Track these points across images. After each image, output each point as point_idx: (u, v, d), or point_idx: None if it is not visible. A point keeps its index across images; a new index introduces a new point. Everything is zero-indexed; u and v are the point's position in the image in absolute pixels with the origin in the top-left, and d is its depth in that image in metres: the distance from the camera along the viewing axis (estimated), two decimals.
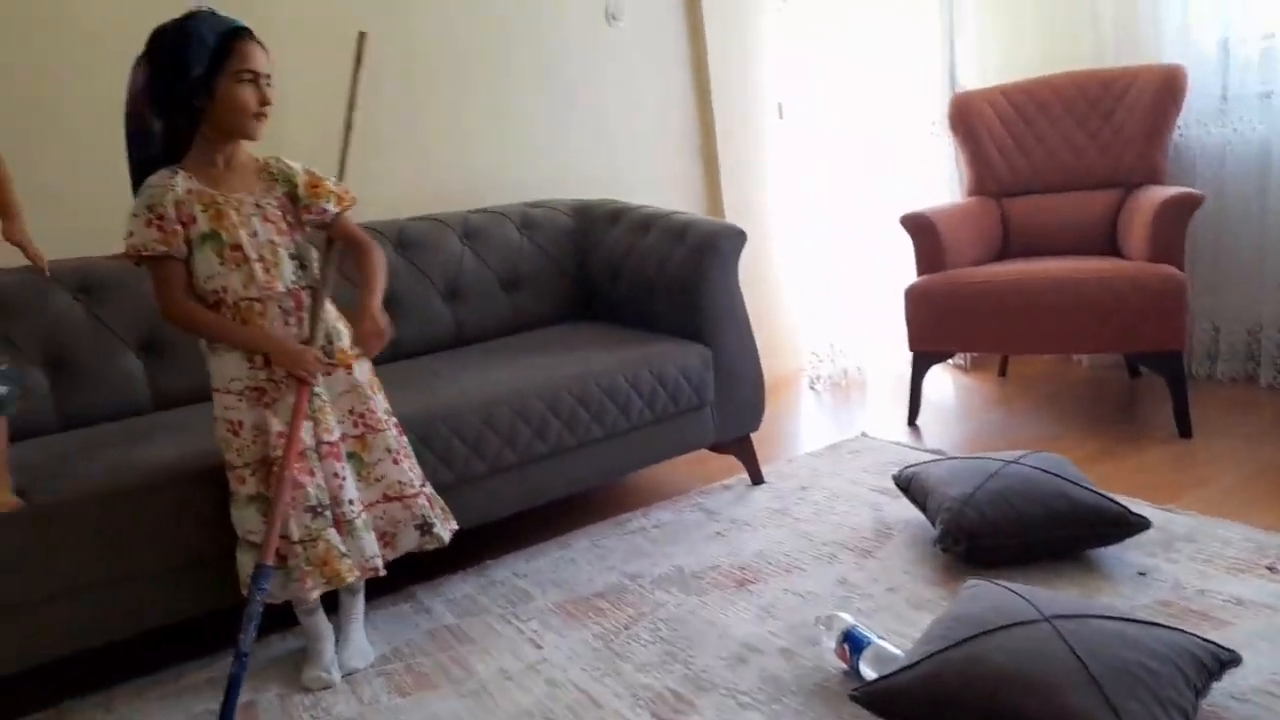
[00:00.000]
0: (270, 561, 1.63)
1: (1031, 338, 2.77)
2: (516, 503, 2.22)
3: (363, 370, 1.82)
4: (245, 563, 1.70)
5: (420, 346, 2.59)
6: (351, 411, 1.79)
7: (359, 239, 1.84)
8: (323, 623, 1.81)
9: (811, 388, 3.58)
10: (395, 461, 1.82)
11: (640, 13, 3.23)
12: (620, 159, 3.24)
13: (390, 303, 2.53)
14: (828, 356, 3.60)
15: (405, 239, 2.65)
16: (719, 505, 2.50)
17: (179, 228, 1.62)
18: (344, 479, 1.74)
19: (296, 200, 1.76)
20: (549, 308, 2.83)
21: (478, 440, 2.09)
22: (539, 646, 1.85)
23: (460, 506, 2.02)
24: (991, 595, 1.55)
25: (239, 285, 1.67)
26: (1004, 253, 3.18)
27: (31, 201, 1.86)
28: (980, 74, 3.50)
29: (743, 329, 2.54)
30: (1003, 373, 3.47)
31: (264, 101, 1.67)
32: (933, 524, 2.03)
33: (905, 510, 2.24)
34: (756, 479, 2.62)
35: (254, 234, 1.69)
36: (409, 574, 2.10)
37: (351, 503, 1.74)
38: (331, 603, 1.84)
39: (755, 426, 2.61)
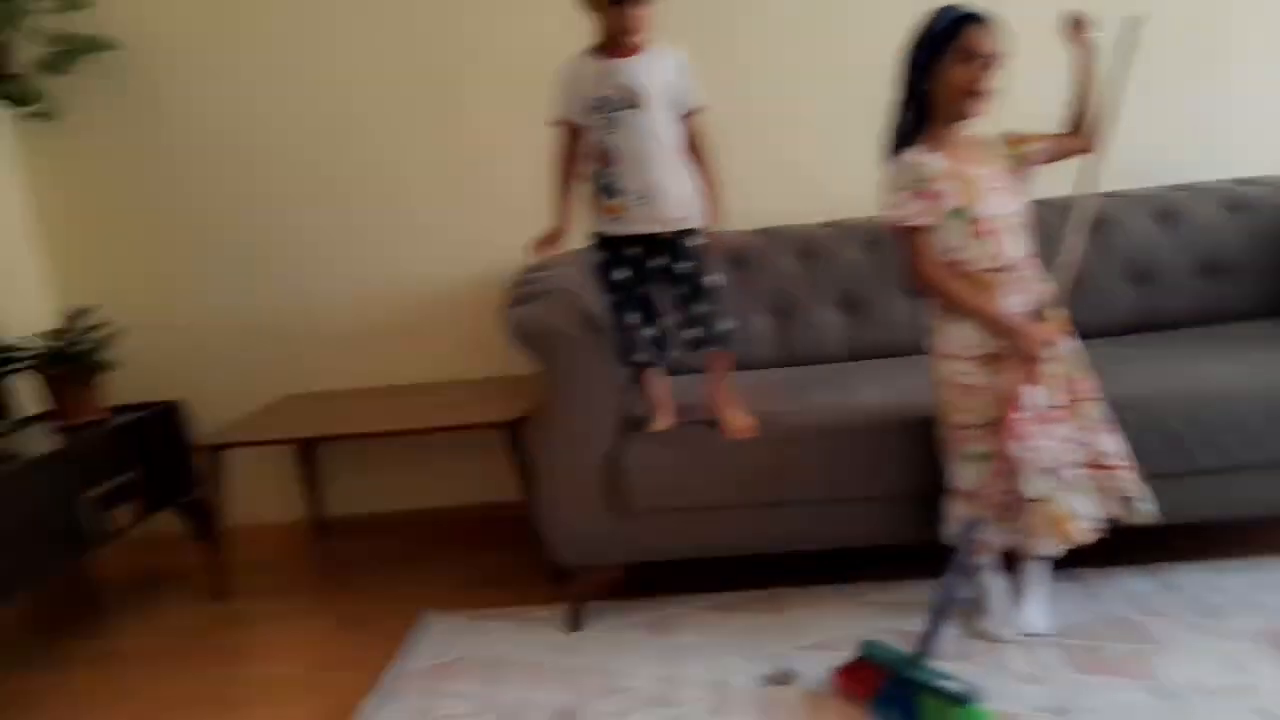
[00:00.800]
0: (988, 515, 1.78)
1: None
2: (1211, 509, 2.04)
3: (1073, 342, 1.86)
4: (959, 512, 1.86)
5: (1099, 329, 2.50)
6: (1067, 379, 1.83)
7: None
8: (1001, 580, 1.94)
9: None
10: (1105, 431, 1.84)
11: None
12: None
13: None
14: None
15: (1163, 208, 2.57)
16: None
17: (937, 203, 1.79)
18: (1072, 442, 1.81)
19: (1016, 162, 1.85)
20: (1261, 299, 2.51)
21: (1179, 435, 1.96)
22: (1244, 670, 1.72)
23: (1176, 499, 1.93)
24: None
25: (982, 256, 1.80)
26: None
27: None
28: None
29: None
30: None
31: (977, 81, 1.75)
32: None
33: None
34: None
35: (992, 206, 1.79)
36: (1075, 557, 2.10)
37: (1076, 465, 1.81)
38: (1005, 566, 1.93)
39: None
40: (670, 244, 2.06)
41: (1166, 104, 2.61)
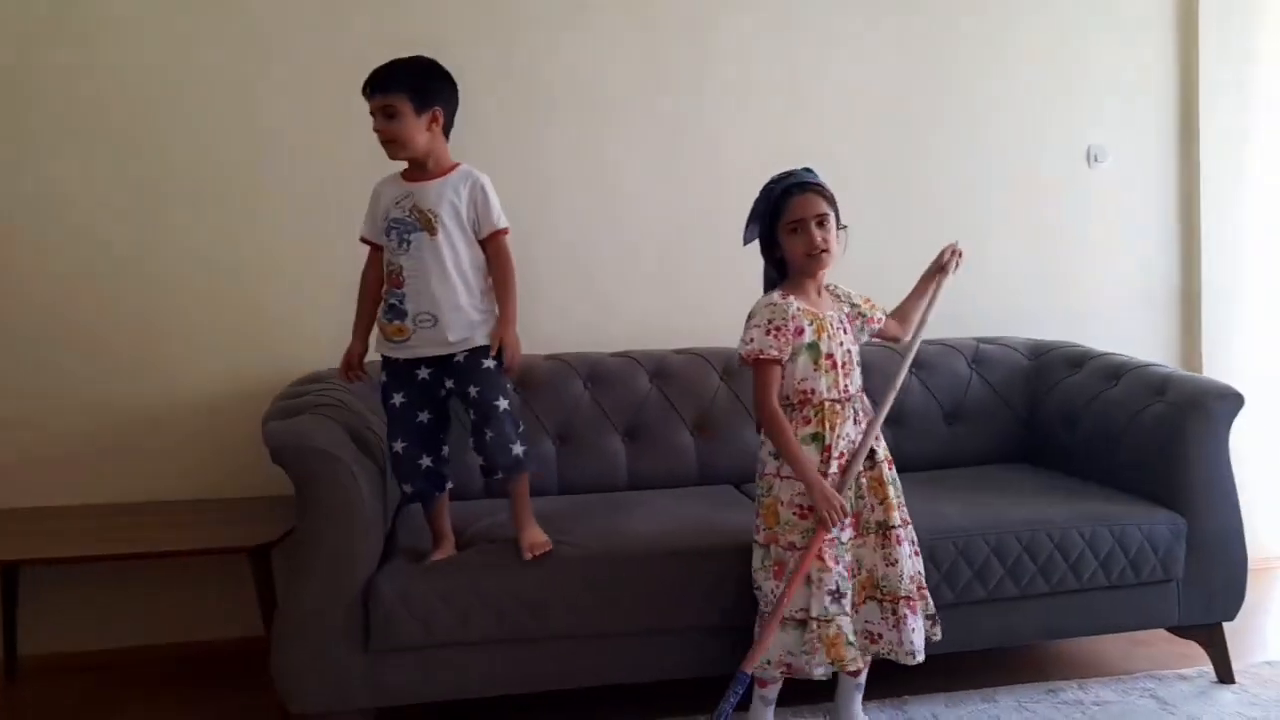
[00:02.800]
0: (749, 670, 1.85)
1: None
2: (945, 643, 2.16)
3: (891, 470, 1.99)
4: (785, 639, 1.89)
5: None
6: (883, 505, 1.96)
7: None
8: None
9: None
10: (913, 557, 1.97)
11: (1124, 155, 3.10)
12: (1081, 303, 3.10)
13: None
14: None
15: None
16: (1174, 697, 2.22)
17: (790, 337, 1.91)
18: (876, 568, 1.94)
19: (858, 316, 2.06)
20: (990, 447, 2.76)
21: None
22: None
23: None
24: None
25: (830, 387, 1.93)
26: None
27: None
28: None
29: (1228, 503, 2.27)
30: None
31: (810, 246, 1.91)
32: None
33: None
34: (1225, 677, 2.29)
35: (840, 344, 1.96)
36: (826, 691, 2.14)
37: (869, 592, 1.94)
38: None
39: (1232, 615, 2.29)
40: (459, 367, 2.01)
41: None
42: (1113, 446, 2.43)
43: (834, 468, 1.90)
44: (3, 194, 2.52)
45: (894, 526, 1.93)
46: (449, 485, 2.10)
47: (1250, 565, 2.31)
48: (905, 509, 1.98)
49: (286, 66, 2.63)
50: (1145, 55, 3.11)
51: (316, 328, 2.57)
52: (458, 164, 2.04)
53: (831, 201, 1.95)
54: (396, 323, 1.99)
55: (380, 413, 2.14)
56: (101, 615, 2.58)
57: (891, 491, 1.96)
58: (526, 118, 2.75)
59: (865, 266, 2.28)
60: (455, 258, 1.98)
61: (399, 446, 2.03)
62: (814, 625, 1.85)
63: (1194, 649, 2.34)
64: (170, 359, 2.60)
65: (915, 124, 2.98)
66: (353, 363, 2.09)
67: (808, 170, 2.00)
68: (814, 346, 1.93)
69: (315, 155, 2.63)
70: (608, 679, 2.04)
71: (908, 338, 2.12)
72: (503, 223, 2.04)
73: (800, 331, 1.92)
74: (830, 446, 1.91)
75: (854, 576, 1.92)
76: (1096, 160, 3.08)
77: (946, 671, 2.30)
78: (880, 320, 2.09)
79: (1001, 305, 3.05)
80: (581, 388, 2.61)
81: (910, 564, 1.94)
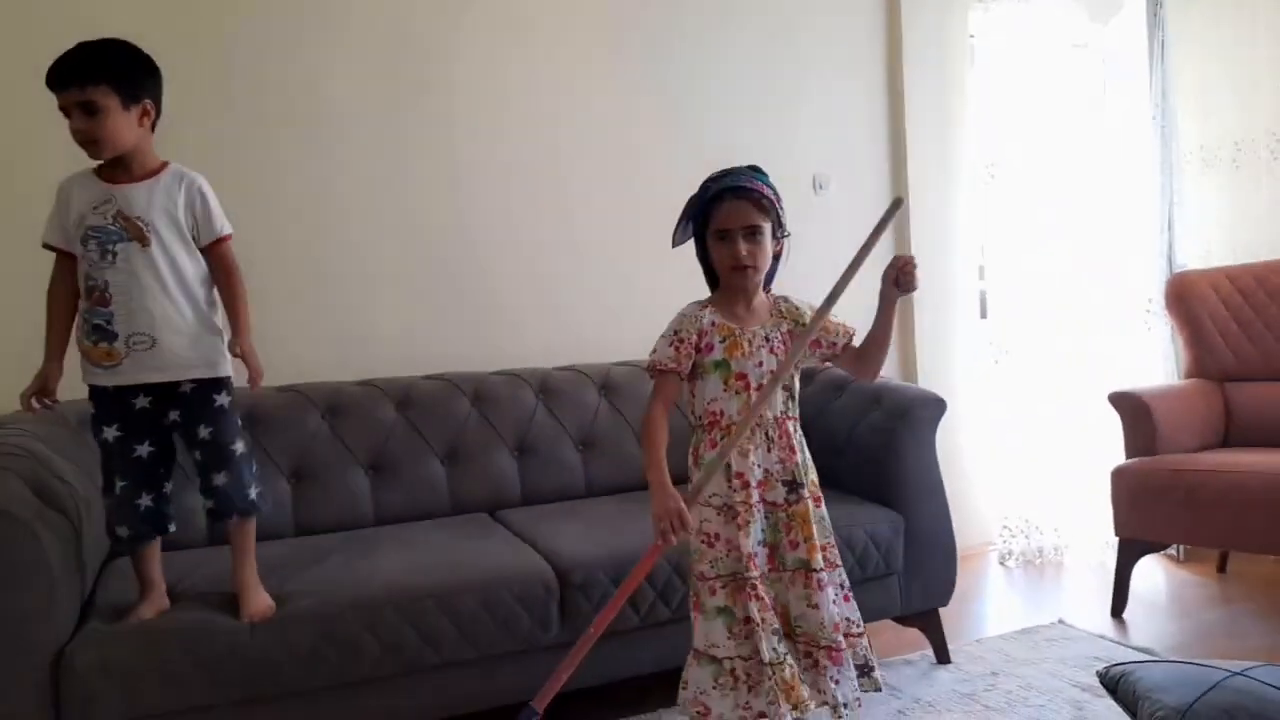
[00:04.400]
0: (538, 707, 1.68)
1: (1258, 534, 2.55)
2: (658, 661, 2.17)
3: (820, 509, 1.82)
4: (701, 677, 1.74)
5: (611, 486, 2.69)
6: (807, 546, 1.78)
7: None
8: None
9: (1002, 564, 3.41)
10: (843, 601, 1.81)
11: (846, 184, 3.36)
12: None
13: (589, 443, 2.70)
14: (1021, 531, 3.43)
15: (609, 384, 2.81)
16: (900, 681, 2.40)
17: (691, 351, 1.78)
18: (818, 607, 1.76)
19: (798, 331, 1.83)
20: None
21: (666, 586, 2.13)
22: None
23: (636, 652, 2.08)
24: None
25: (735, 410, 1.78)
26: (1226, 440, 2.98)
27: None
28: (1202, 255, 3.38)
29: (937, 498, 2.50)
30: (1222, 569, 3.18)
31: (736, 257, 1.77)
32: None
33: (1111, 712, 2.07)
34: (942, 658, 2.51)
35: (759, 364, 1.79)
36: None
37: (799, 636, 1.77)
38: None
39: (945, 601, 2.51)
40: (186, 400, 1.82)
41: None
42: (839, 453, 2.60)
43: (755, 497, 1.76)
44: None
45: (815, 570, 1.76)
46: (172, 528, 1.89)
47: (961, 553, 2.56)
48: (835, 550, 1.82)
49: None
50: (860, 92, 3.39)
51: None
52: (165, 163, 1.82)
53: (769, 208, 1.79)
54: (105, 345, 1.76)
55: (80, 455, 1.90)
56: None
57: (816, 531, 1.78)
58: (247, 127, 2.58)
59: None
60: (175, 271, 1.79)
61: (120, 485, 1.81)
62: (769, 671, 1.69)
63: (916, 634, 2.55)
64: None
65: (643, 148, 3.07)
66: (48, 388, 1.79)
67: (753, 170, 1.83)
68: (723, 365, 1.78)
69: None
70: None
71: (866, 379, 1.97)
72: (227, 228, 1.85)
73: (709, 348, 1.79)
74: (742, 474, 1.75)
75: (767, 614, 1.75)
76: (821, 188, 3.32)
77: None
78: (837, 346, 1.88)
79: None
80: (319, 419, 2.47)
81: (836, 610, 1.77)
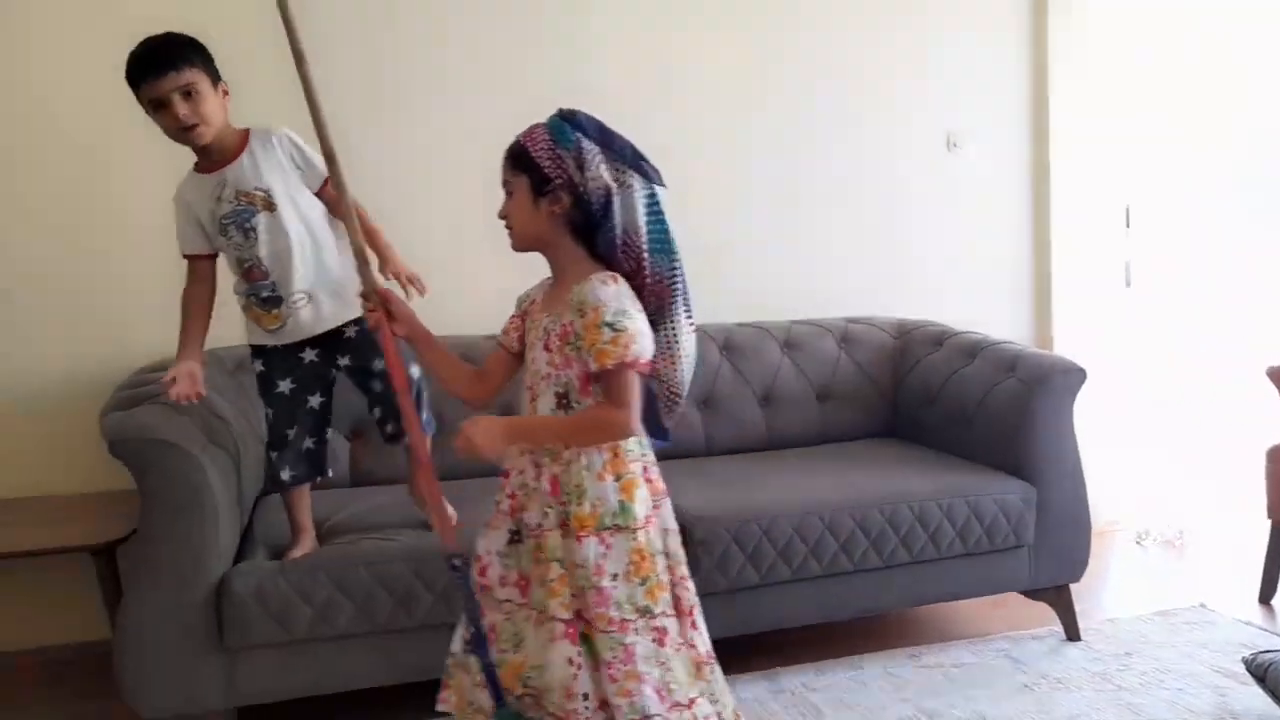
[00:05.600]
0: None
1: None
2: (813, 614, 2.24)
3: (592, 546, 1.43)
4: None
5: (733, 446, 2.70)
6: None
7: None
8: None
9: (1138, 543, 3.26)
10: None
11: (982, 141, 3.23)
12: (940, 283, 3.22)
13: (709, 402, 2.71)
14: (1159, 510, 3.27)
15: (731, 344, 2.81)
16: (1027, 656, 2.34)
17: (519, 321, 1.58)
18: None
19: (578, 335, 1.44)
20: (859, 423, 2.84)
21: (786, 546, 2.13)
22: None
23: (758, 609, 2.12)
24: None
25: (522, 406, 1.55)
26: None
27: None
28: None
29: (1073, 471, 2.40)
30: None
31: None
32: None
33: (1257, 700, 1.98)
34: (1072, 634, 2.43)
35: (532, 360, 1.52)
36: None
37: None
38: None
39: (1077, 577, 2.43)
40: (352, 344, 1.90)
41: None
42: (969, 420, 2.53)
43: (505, 504, 1.53)
44: None
45: (555, 617, 1.42)
46: (330, 472, 2.01)
47: (1094, 529, 2.46)
48: (603, 600, 1.40)
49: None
50: (1002, 51, 3.23)
51: (158, 314, 2.40)
52: (244, 129, 1.83)
53: (516, 164, 1.46)
54: (274, 311, 1.85)
55: (237, 396, 2.03)
56: None
57: (553, 571, 1.42)
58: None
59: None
60: (305, 223, 1.84)
61: (290, 433, 1.92)
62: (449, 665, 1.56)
63: (1045, 609, 2.47)
64: (24, 348, 2.43)
65: (781, 111, 3.02)
66: (197, 379, 1.78)
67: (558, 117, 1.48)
68: (521, 354, 1.58)
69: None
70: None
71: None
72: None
73: (518, 329, 1.58)
74: (507, 472, 1.54)
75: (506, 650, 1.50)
76: (955, 146, 3.19)
77: (816, 642, 2.37)
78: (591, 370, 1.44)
79: (868, 284, 3.13)
80: None
81: (563, 672, 1.40)
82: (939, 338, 2.81)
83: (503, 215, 1.51)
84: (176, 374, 1.76)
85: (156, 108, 1.72)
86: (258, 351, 1.92)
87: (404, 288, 1.84)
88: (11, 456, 2.41)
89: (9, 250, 2.41)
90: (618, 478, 1.44)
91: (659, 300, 1.48)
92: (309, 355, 1.91)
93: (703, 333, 2.60)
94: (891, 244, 3.16)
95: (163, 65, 1.69)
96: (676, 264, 1.49)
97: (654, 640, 1.42)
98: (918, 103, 3.15)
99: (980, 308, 3.21)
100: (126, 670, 1.79)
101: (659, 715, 1.39)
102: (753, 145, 2.99)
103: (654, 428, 1.57)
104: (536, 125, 1.47)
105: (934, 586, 2.34)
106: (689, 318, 1.52)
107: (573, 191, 1.43)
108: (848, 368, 2.86)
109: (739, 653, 2.06)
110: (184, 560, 1.80)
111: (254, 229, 1.81)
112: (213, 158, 1.81)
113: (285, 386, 1.91)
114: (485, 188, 1.66)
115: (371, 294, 1.57)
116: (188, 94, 1.71)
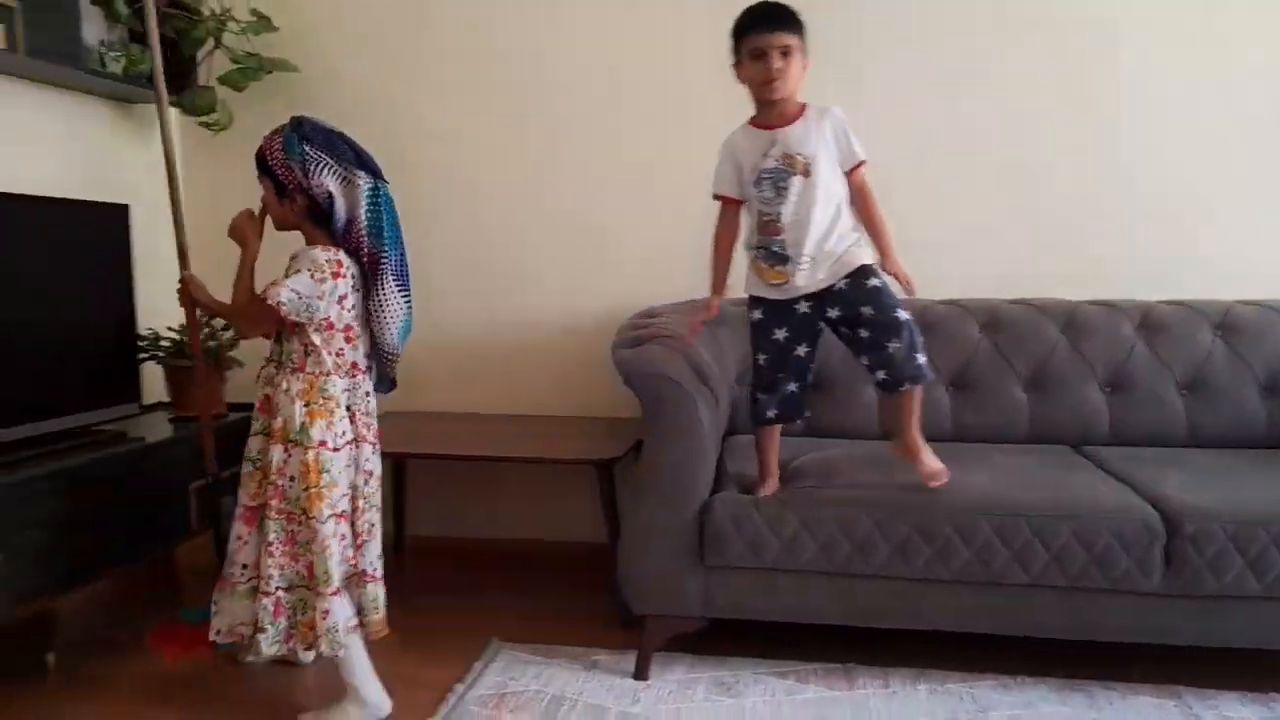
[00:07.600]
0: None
1: None
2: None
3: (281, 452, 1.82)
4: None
5: (1222, 439, 2.43)
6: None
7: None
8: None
9: None
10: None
11: None
12: None
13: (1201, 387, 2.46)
14: None
15: (1229, 323, 2.51)
16: None
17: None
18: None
19: None
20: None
21: None
22: None
23: (1248, 625, 1.92)
24: None
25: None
26: None
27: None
28: None
29: None
30: None
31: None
32: None
33: None
34: None
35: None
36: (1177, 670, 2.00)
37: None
38: None
39: None
40: (842, 295, 2.02)
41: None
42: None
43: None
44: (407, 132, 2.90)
45: (242, 503, 1.88)
46: (807, 414, 2.18)
47: None
48: (276, 494, 1.79)
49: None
50: None
51: (665, 268, 2.76)
52: (804, 103, 2.01)
53: (260, 168, 1.84)
54: (779, 268, 2.02)
55: (711, 343, 2.22)
56: (466, 508, 3.01)
57: (247, 467, 1.87)
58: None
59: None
60: (829, 196, 1.98)
61: (780, 376, 2.09)
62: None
63: None
64: (544, 292, 2.93)
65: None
66: (714, 313, 2.13)
67: None
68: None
69: (665, 116, 2.81)
70: (931, 625, 2.04)
71: None
72: (864, 154, 2.00)
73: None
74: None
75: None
76: None
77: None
78: None
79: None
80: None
81: (232, 545, 1.88)
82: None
83: (263, 204, 1.88)
84: (709, 304, 2.12)
85: (755, 57, 1.95)
86: (756, 302, 2.10)
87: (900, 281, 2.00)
88: (539, 380, 2.94)
89: (549, 212, 2.91)
90: (306, 405, 1.79)
91: (374, 272, 1.83)
92: (802, 307, 2.05)
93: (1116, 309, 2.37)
94: None
95: (778, 22, 1.94)
96: (386, 244, 1.83)
97: (308, 535, 1.79)
98: None
99: None
100: (627, 572, 2.09)
101: (296, 588, 1.82)
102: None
103: (379, 380, 1.95)
104: (276, 134, 1.81)
105: None
106: (401, 290, 1.86)
107: (305, 194, 1.79)
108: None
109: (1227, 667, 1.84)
110: (678, 483, 2.04)
111: (787, 189, 1.98)
112: (770, 117, 2.01)
113: (780, 335, 2.07)
114: None
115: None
116: (785, 52, 1.93)
